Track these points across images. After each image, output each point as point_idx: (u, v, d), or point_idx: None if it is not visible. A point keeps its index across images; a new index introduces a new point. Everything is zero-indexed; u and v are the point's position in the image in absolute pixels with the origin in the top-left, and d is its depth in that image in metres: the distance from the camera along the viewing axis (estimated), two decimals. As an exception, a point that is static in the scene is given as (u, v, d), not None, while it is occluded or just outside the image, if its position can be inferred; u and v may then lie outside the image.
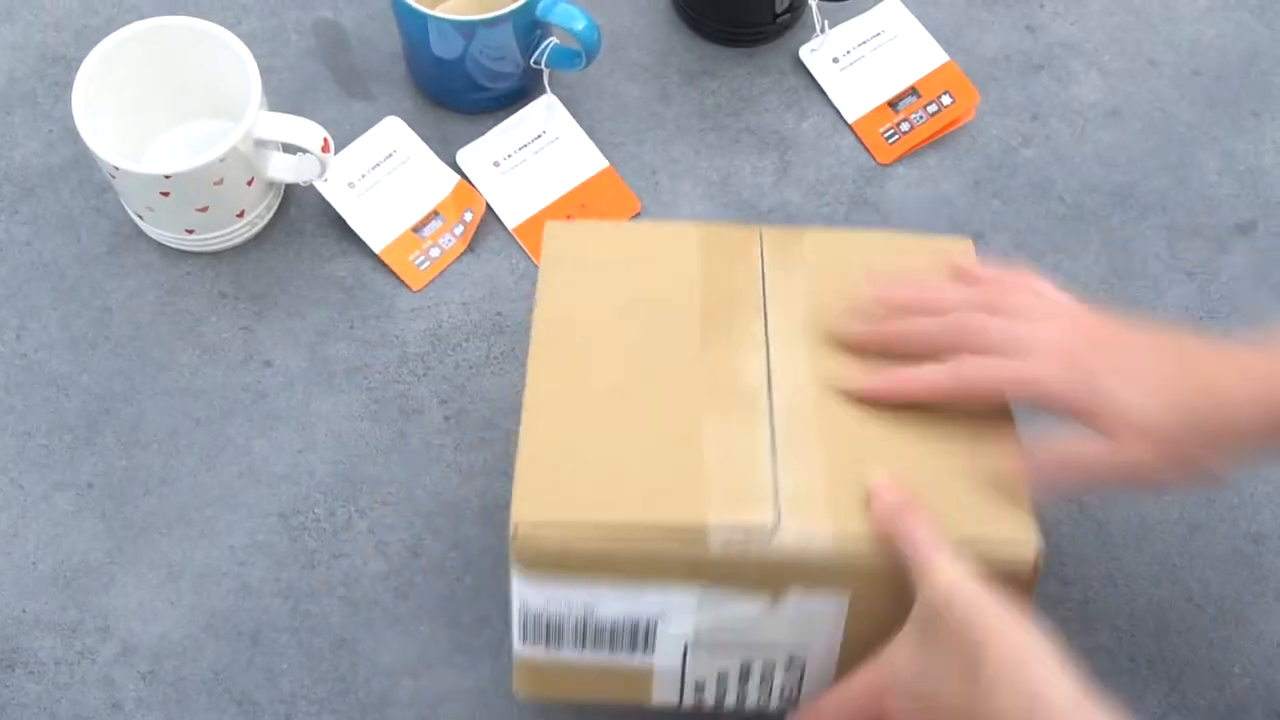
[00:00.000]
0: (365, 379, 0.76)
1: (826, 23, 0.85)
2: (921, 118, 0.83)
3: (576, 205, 0.80)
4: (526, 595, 0.58)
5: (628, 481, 0.57)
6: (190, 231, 0.77)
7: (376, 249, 0.78)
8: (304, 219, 0.80)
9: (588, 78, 0.84)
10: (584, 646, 0.59)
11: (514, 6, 0.76)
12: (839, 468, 0.58)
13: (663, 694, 0.61)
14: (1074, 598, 0.71)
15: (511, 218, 0.80)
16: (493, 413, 0.75)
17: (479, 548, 0.72)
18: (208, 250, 0.78)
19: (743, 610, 0.57)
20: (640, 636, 0.58)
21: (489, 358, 0.76)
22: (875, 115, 0.83)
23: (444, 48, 0.78)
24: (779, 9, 0.83)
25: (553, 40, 0.80)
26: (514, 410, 0.74)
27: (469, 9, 0.79)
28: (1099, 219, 0.81)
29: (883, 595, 0.56)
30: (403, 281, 0.78)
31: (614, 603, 0.57)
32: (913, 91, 0.84)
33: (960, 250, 0.68)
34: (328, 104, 0.83)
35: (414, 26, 0.78)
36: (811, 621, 0.58)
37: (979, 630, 0.52)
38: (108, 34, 0.74)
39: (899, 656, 0.55)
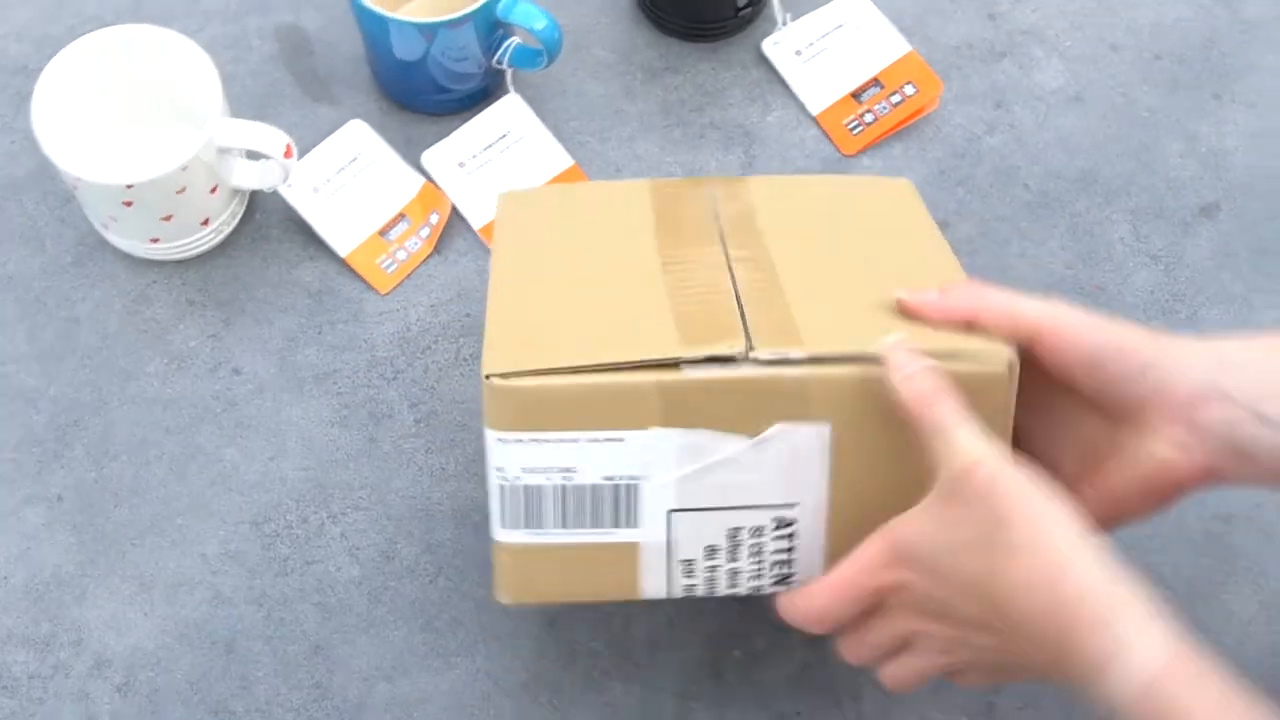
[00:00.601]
0: (335, 384, 0.76)
1: (788, 15, 0.85)
2: (885, 108, 0.83)
3: (542, 204, 0.80)
4: (505, 461, 0.56)
5: (598, 330, 0.57)
6: (155, 240, 0.76)
7: (343, 253, 0.78)
8: (270, 225, 0.80)
9: (551, 76, 0.84)
10: (566, 523, 0.57)
11: (474, 7, 0.75)
12: (806, 305, 0.58)
13: (651, 581, 0.59)
14: (1046, 583, 0.71)
15: (478, 218, 0.80)
16: (463, 415, 0.75)
17: (452, 550, 0.72)
18: (173, 259, 0.78)
19: (724, 454, 0.56)
20: (623, 503, 0.57)
21: (458, 359, 0.76)
22: (839, 107, 0.83)
23: (406, 50, 0.78)
24: (740, 3, 0.83)
25: (515, 40, 0.80)
26: (484, 411, 0.75)
27: (430, 10, 0.79)
28: (1064, 205, 0.82)
29: (865, 430, 0.56)
30: (370, 285, 0.78)
31: (593, 462, 0.56)
32: (876, 82, 0.84)
33: (900, 189, 0.69)
34: (291, 109, 0.83)
35: (375, 29, 0.78)
36: (796, 466, 0.57)
37: (1003, 500, 0.50)
38: (69, 43, 0.74)
39: (918, 524, 0.53)
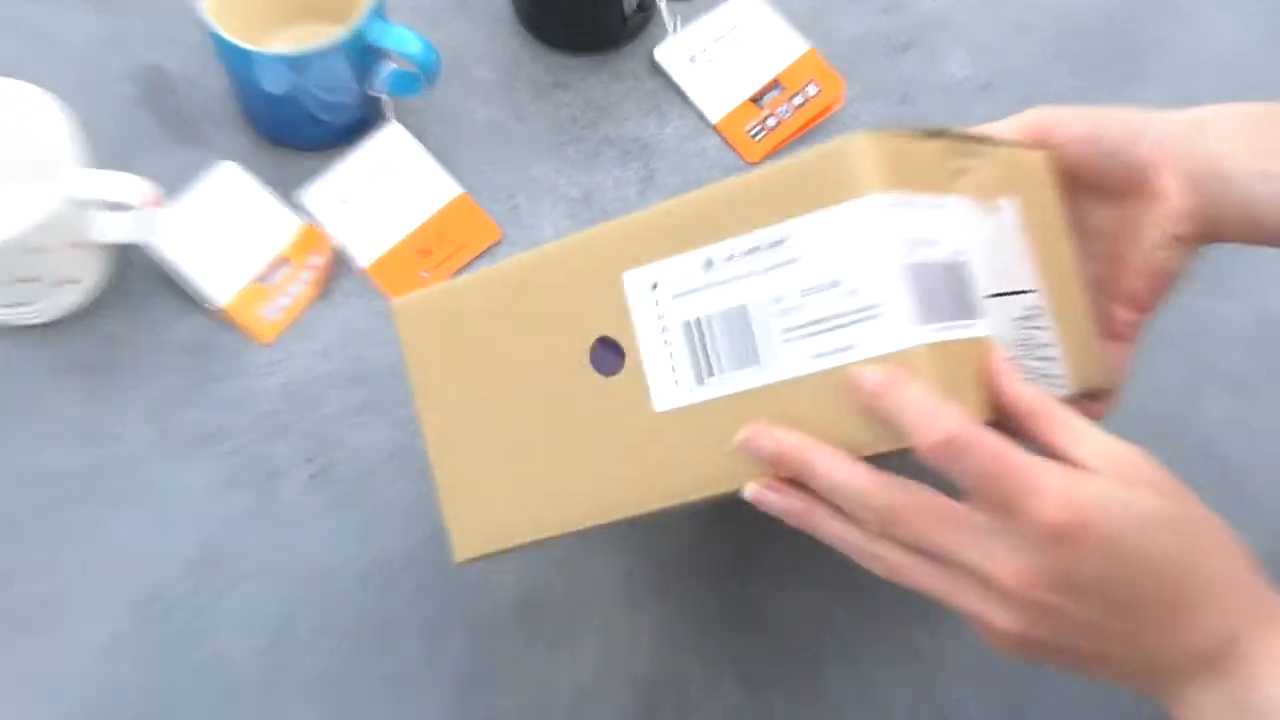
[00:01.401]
0: (220, 445, 0.71)
1: (679, 20, 0.81)
2: (788, 111, 0.79)
3: (433, 237, 0.76)
4: (902, 229, 0.47)
5: None
6: (17, 305, 0.71)
7: (221, 304, 0.73)
8: (141, 279, 0.75)
9: (433, 101, 0.79)
10: (957, 309, 0.48)
11: (343, 36, 0.71)
12: None
13: None
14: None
15: (365, 257, 0.75)
16: (361, 467, 0.70)
17: (354, 616, 0.67)
18: (39, 323, 0.73)
19: (990, 227, 0.52)
20: (969, 285, 0.49)
21: (351, 409, 0.71)
22: (739, 113, 0.79)
23: (274, 84, 0.73)
24: (628, 10, 0.80)
25: (391, 65, 0.76)
26: (384, 461, 0.70)
27: (298, 40, 0.75)
28: (979, 199, 0.78)
29: (1041, 211, 0.56)
30: (252, 336, 0.73)
31: (940, 233, 0.49)
32: (776, 85, 0.80)
33: None
34: (157, 153, 0.78)
35: (239, 65, 0.73)
36: (1016, 247, 0.53)
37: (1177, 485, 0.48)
38: (-94, 102, 0.69)
39: (1110, 492, 0.46)
